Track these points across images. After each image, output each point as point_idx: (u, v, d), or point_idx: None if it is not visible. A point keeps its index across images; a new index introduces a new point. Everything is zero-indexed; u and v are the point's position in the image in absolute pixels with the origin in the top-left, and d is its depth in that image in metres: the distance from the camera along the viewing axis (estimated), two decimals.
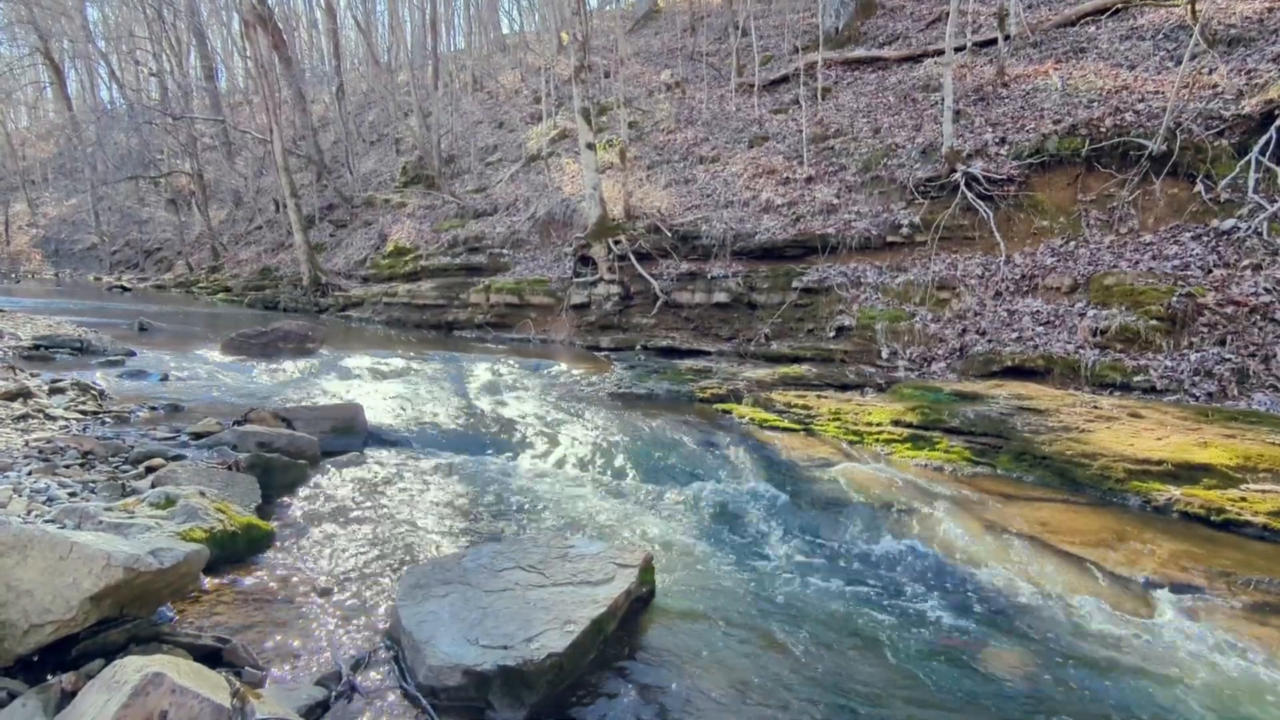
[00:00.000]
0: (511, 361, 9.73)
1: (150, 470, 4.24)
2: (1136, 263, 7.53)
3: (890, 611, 3.33)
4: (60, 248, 31.26)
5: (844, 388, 7.60)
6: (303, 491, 4.48)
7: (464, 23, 32.97)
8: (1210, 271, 7.01)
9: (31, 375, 6.67)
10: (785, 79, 14.82)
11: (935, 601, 3.43)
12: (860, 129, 11.65)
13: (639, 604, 3.16)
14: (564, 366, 9.41)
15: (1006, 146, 9.31)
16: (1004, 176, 8.94)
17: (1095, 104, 9.04)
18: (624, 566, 3.15)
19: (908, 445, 5.81)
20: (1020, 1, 12.41)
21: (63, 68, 33.82)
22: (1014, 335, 7.64)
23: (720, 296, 10.41)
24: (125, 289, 21.72)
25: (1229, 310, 6.57)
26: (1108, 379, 6.64)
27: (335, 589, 3.20)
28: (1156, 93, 8.71)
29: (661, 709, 2.53)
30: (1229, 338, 6.44)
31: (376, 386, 7.80)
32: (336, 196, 20.88)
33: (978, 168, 9.09)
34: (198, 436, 5.16)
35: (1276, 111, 7.47)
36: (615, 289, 11.42)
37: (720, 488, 4.89)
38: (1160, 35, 9.94)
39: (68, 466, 4.18)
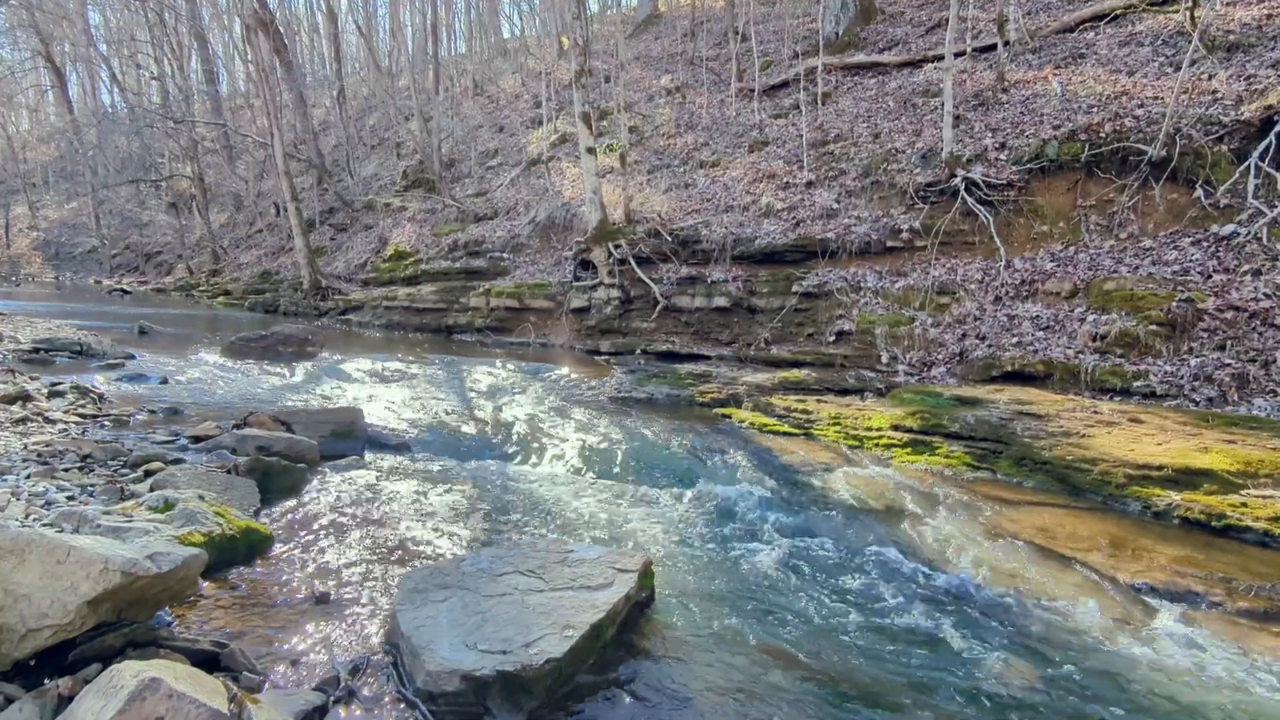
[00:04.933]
0: (511, 365, 9.73)
1: (149, 474, 4.24)
2: (1136, 268, 7.54)
3: (890, 616, 3.32)
4: (61, 251, 31.26)
5: (844, 392, 7.60)
6: (302, 495, 4.47)
7: (465, 27, 33.13)
8: (1210, 277, 7.02)
9: (31, 378, 6.67)
10: (785, 84, 14.86)
11: (934, 606, 3.42)
12: (860, 134, 11.67)
13: (638, 609, 3.15)
14: (564, 370, 9.41)
15: (1006, 152, 9.33)
16: (1004, 182, 8.95)
17: (1095, 109, 9.05)
18: (623, 571, 3.14)
19: (908, 450, 5.80)
20: (1019, 8, 12.46)
21: (64, 71, 33.88)
22: (1014, 340, 7.64)
23: (720, 301, 10.41)
24: (125, 292, 21.72)
25: (1229, 315, 6.57)
26: (1108, 384, 6.64)
27: (333, 593, 3.19)
28: (1156, 98, 8.73)
29: (660, 714, 2.52)
30: (1229, 343, 6.44)
31: (376, 390, 7.80)
32: (337, 200, 20.90)
33: (978, 173, 9.10)
34: (197, 440, 5.15)
35: (1276, 117, 7.49)
36: (615, 293, 11.43)
37: (720, 492, 4.88)
38: (1159, 41, 9.97)
39: (66, 470, 4.18)
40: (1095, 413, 5.71)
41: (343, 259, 18.32)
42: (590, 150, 11.82)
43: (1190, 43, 8.52)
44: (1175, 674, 2.92)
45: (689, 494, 4.85)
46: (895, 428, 6.11)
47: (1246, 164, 7.39)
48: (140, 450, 4.73)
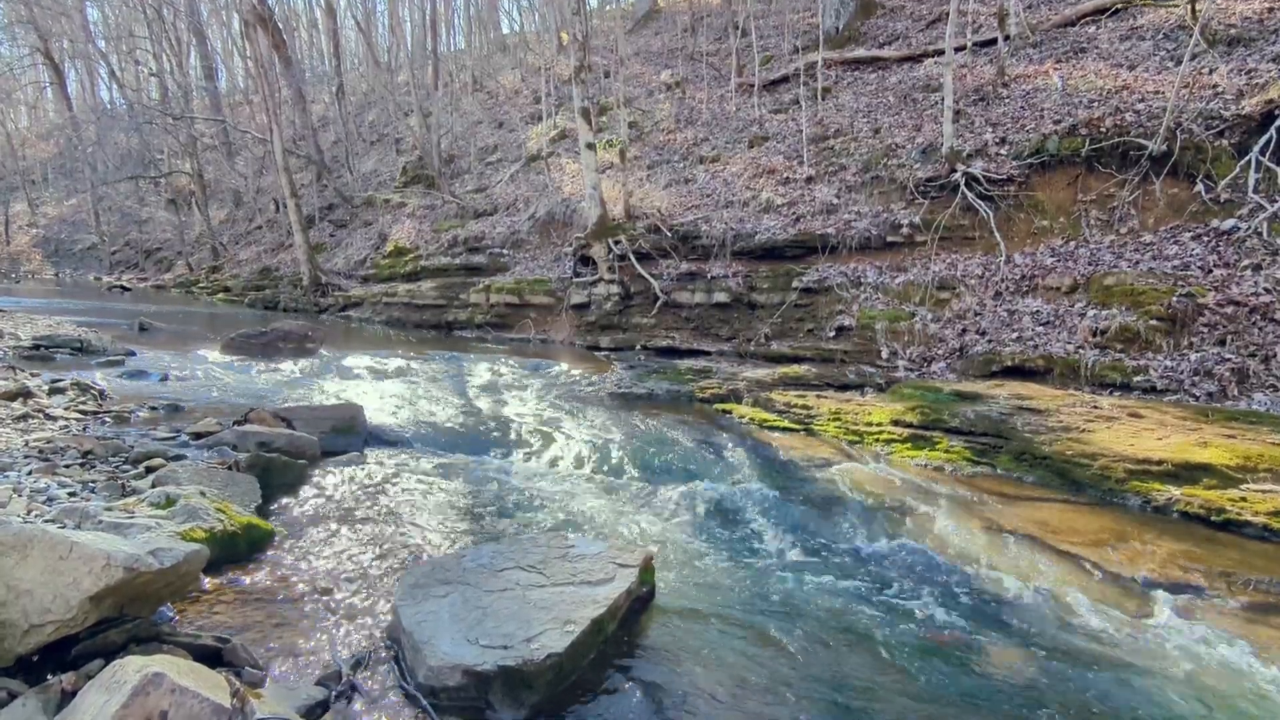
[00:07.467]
0: (511, 361, 9.73)
1: (150, 470, 4.24)
2: (1136, 263, 7.53)
3: (889, 610, 3.32)
4: (60, 248, 31.24)
5: (844, 388, 7.60)
6: (303, 491, 4.48)
7: (464, 23, 32.95)
8: (1210, 271, 7.01)
9: (31, 375, 6.67)
10: (785, 79, 14.82)
11: (933, 601, 3.43)
12: (860, 129, 11.65)
13: (639, 604, 3.15)
14: (564, 366, 9.41)
15: (1007, 146, 9.31)
16: (1004, 176, 8.94)
17: (1095, 104, 9.04)
18: (624, 566, 3.14)
19: (908, 445, 5.81)
20: (1020, 2, 12.42)
21: (63, 67, 33.79)
22: (1014, 335, 7.64)
23: (720, 296, 10.41)
24: (125, 289, 21.71)
25: (1229, 310, 6.57)
26: (1108, 379, 6.64)
27: (335, 589, 3.20)
28: (1156, 93, 8.71)
29: (661, 709, 2.53)
30: (1229, 338, 6.44)
31: (376, 386, 7.80)
32: (336, 196, 20.87)
33: (978, 168, 9.09)
34: (198, 436, 5.15)
35: (1276, 111, 7.47)
36: (615, 289, 11.42)
37: (720, 487, 4.89)
38: (1160, 35, 9.94)
39: (68, 466, 4.18)
40: (1095, 408, 5.71)
41: (342, 255, 18.31)
42: (590, 146, 11.79)
43: (1191, 37, 8.49)
44: (1175, 667, 2.93)
45: (689, 490, 4.85)
46: (895, 423, 6.12)
47: (1247, 158, 7.37)
48: (141, 447, 4.73)
